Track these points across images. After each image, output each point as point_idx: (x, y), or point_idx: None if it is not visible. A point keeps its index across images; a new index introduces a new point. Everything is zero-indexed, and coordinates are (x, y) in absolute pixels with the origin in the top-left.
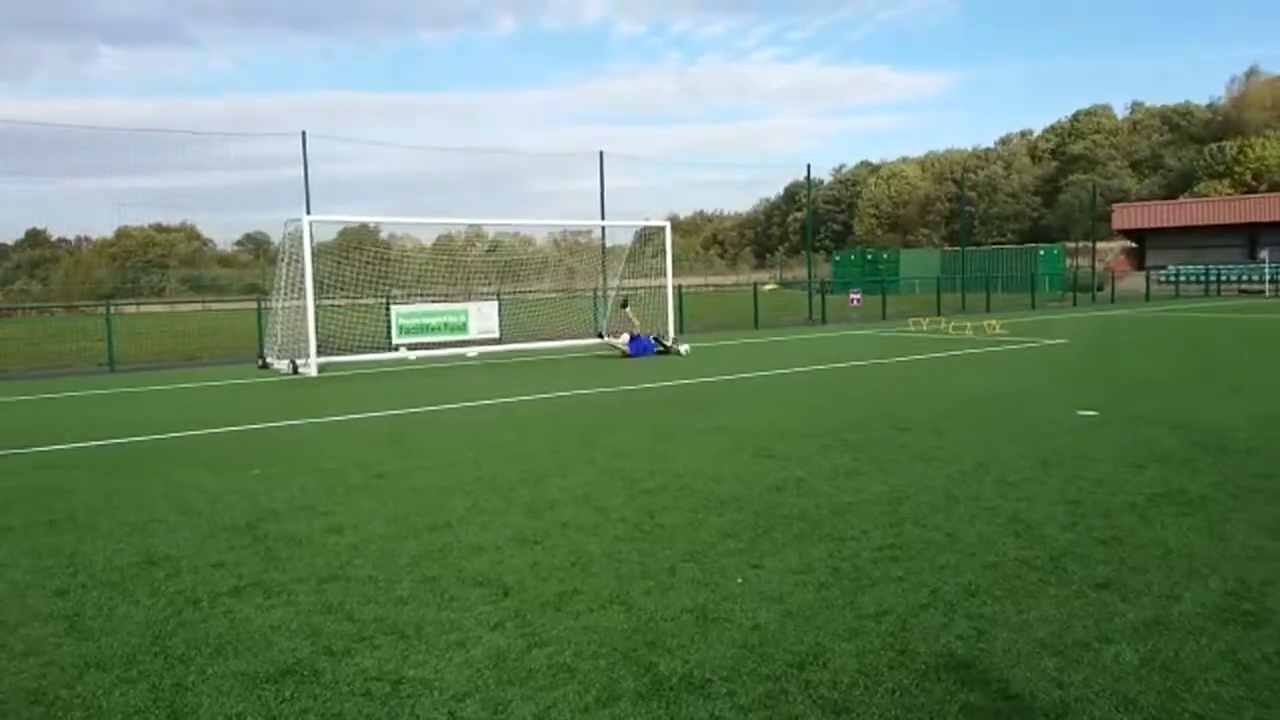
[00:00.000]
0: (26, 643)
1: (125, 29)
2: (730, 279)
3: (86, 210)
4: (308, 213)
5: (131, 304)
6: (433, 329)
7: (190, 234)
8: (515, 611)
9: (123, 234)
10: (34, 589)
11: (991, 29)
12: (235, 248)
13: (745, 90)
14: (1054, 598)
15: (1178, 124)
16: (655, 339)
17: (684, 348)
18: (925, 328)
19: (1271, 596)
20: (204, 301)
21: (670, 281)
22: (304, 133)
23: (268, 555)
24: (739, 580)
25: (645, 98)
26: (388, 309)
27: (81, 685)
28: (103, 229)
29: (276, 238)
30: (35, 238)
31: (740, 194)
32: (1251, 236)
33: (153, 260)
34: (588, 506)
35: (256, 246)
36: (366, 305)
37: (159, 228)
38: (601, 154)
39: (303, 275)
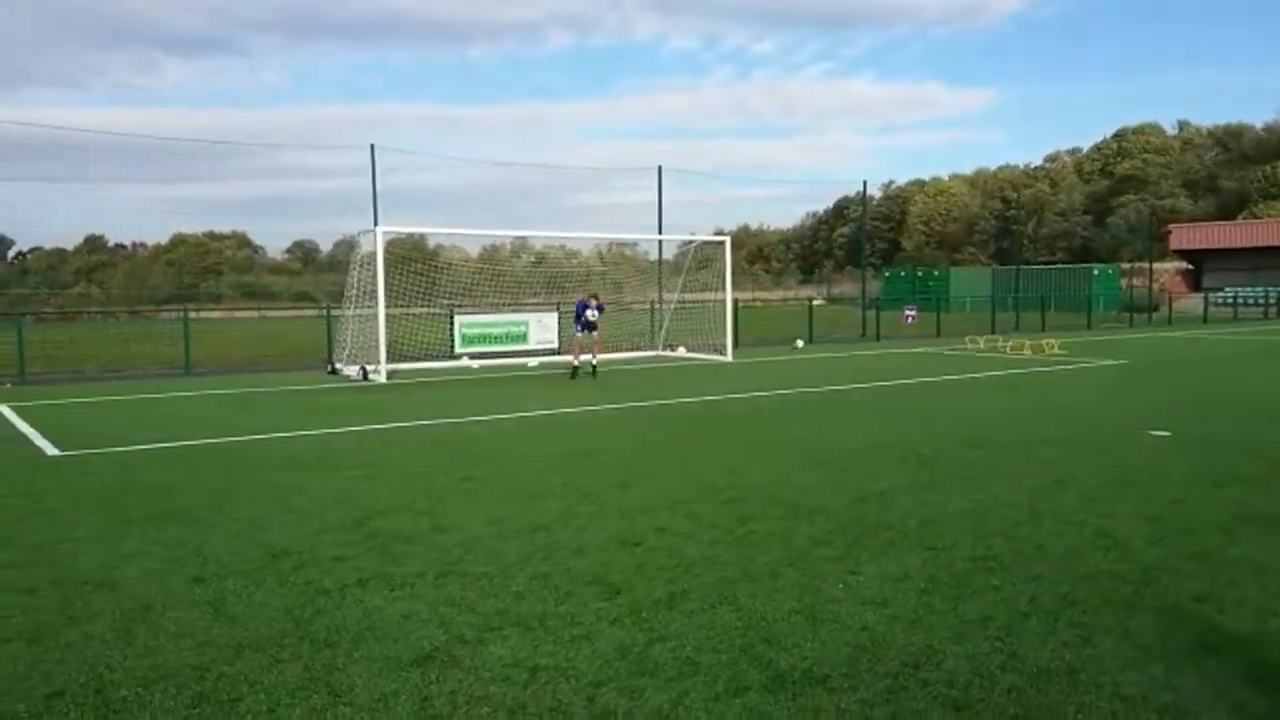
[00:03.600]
0: (179, 624)
1: (185, 41)
2: (776, 294)
3: (142, 216)
4: (375, 223)
5: (188, 309)
6: (495, 339)
7: (241, 241)
8: (630, 609)
9: (178, 240)
10: (171, 576)
11: (1042, 46)
12: (285, 255)
13: (795, 106)
14: (1151, 608)
15: (1228, 144)
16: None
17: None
18: (983, 346)
19: None
20: (259, 308)
21: (729, 296)
22: (372, 146)
23: (382, 551)
24: (840, 585)
25: (695, 112)
26: (451, 319)
27: (240, 663)
28: (158, 235)
29: (325, 246)
30: (93, 243)
31: (786, 208)
32: None
33: (208, 267)
34: (678, 513)
35: (305, 255)
36: (419, 315)
37: (212, 235)
38: (660, 169)
39: (370, 283)
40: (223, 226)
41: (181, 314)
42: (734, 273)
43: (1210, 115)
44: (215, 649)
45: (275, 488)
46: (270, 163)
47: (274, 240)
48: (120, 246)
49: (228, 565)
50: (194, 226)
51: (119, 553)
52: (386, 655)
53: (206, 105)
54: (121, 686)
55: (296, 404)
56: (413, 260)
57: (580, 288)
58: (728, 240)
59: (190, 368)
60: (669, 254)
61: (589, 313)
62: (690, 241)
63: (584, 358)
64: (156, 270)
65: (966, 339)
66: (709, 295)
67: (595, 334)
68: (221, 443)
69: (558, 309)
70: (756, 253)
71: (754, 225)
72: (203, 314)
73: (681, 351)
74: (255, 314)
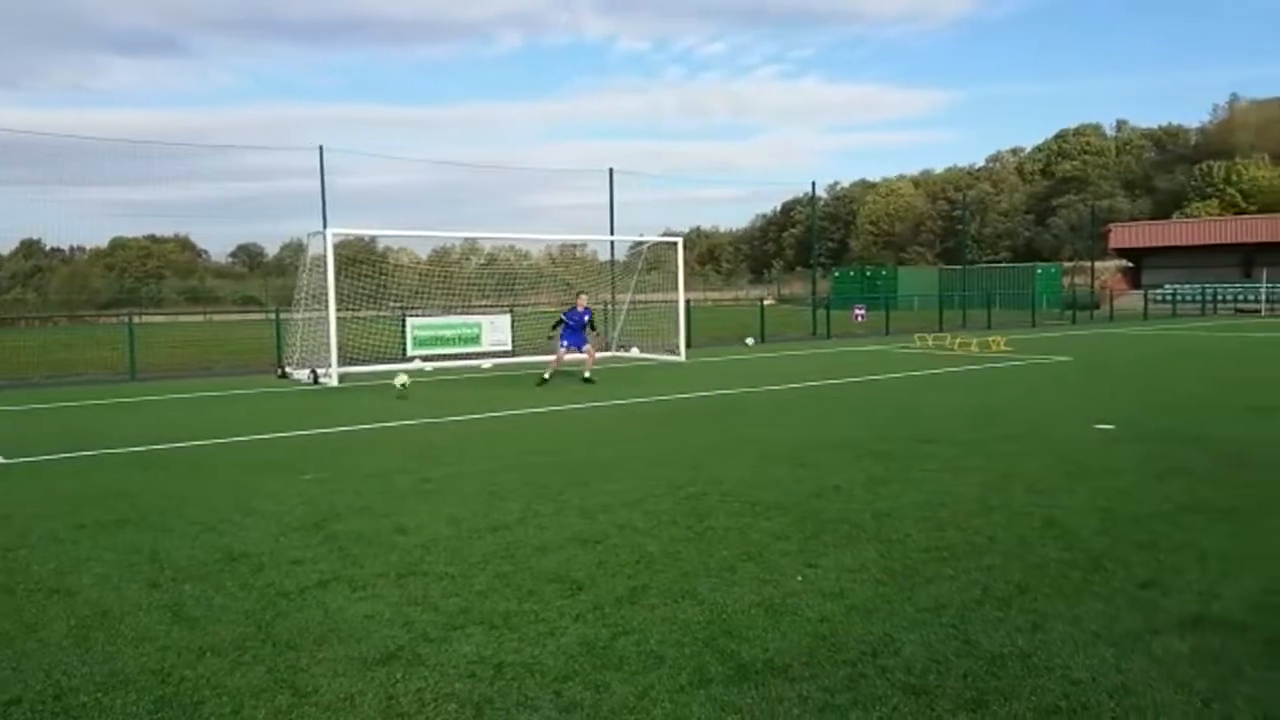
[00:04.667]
0: (137, 630)
1: (130, 41)
2: (728, 294)
3: (81, 220)
4: (324, 225)
5: (132, 313)
6: (447, 341)
7: (183, 244)
8: (593, 605)
9: (118, 244)
10: (128, 582)
11: (989, 49)
12: (229, 259)
13: (746, 107)
14: (1100, 594)
15: (1166, 145)
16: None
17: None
18: (931, 344)
19: None
20: (204, 312)
21: (682, 296)
22: (321, 147)
23: (342, 553)
24: (799, 578)
25: (645, 113)
26: (402, 321)
27: (202, 666)
28: (97, 239)
29: (271, 249)
30: (30, 247)
31: (736, 209)
32: (1246, 257)
33: (149, 271)
34: (638, 510)
35: (251, 258)
36: (369, 318)
37: (153, 239)
38: (611, 170)
39: (320, 286)
40: (164, 230)
41: (123, 318)
42: (686, 273)
43: (1147, 116)
44: (175, 653)
45: (231, 491)
46: (216, 164)
47: (218, 244)
48: (58, 250)
49: (185, 569)
50: (134, 230)
51: (73, 558)
52: (350, 655)
53: (153, 106)
54: (80, 693)
55: (248, 408)
56: (362, 262)
57: (532, 289)
58: (679, 241)
59: (136, 373)
60: (621, 255)
61: (585, 315)
62: (642, 242)
63: (578, 357)
64: (96, 274)
65: (915, 337)
66: (661, 296)
67: (588, 345)
68: (174, 447)
69: (510, 311)
70: (707, 254)
71: (705, 226)
72: (145, 318)
73: (635, 352)
74: (200, 318)
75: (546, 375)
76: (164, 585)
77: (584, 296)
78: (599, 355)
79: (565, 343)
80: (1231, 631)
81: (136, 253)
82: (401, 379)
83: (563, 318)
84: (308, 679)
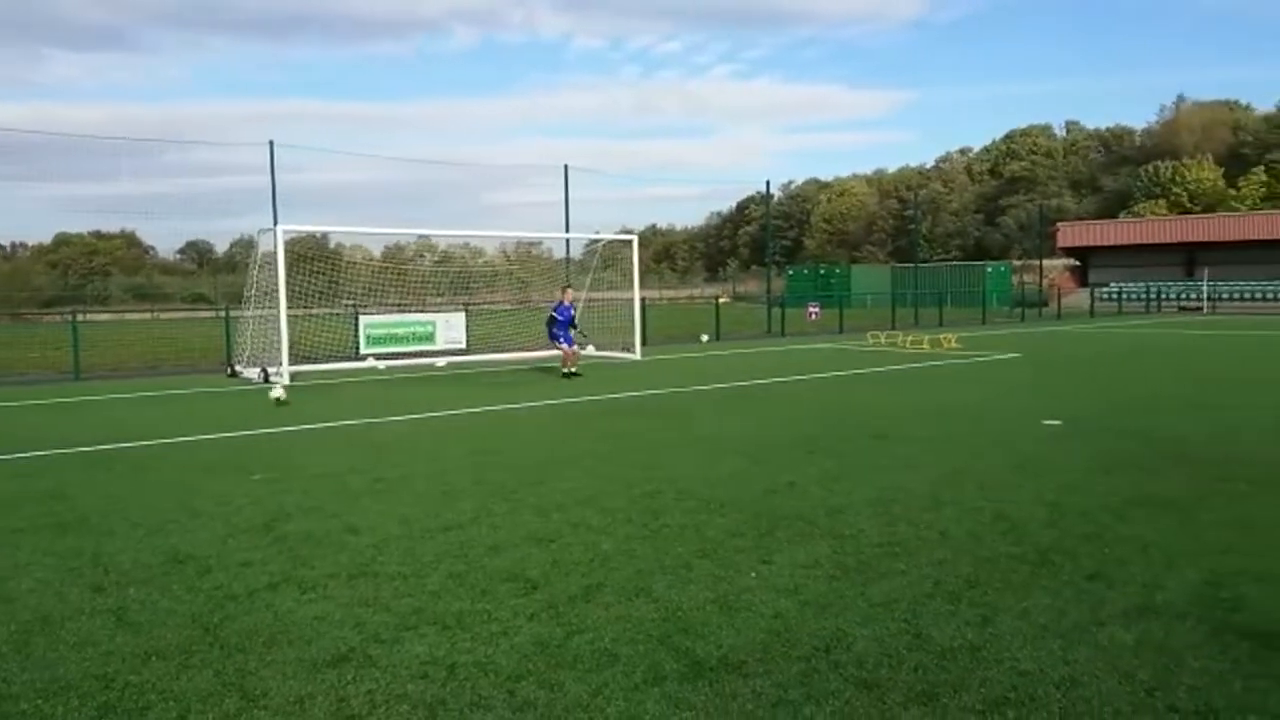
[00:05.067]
0: (79, 635)
1: (79, 34)
2: (684, 293)
3: (23, 216)
4: (275, 222)
5: (76, 312)
6: (401, 339)
7: (130, 241)
8: (547, 604)
9: (61, 240)
10: (69, 586)
11: (941, 50)
12: (178, 256)
13: (701, 106)
14: (1048, 588)
15: (1113, 146)
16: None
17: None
18: (884, 341)
19: (1244, 585)
20: (152, 310)
21: (637, 294)
22: (271, 142)
23: (292, 554)
24: (753, 574)
25: (602, 112)
26: (355, 319)
27: (147, 671)
28: (40, 235)
29: (221, 246)
30: None
31: (691, 208)
32: (1189, 256)
33: (94, 268)
34: (592, 508)
35: (200, 255)
36: (321, 316)
37: (98, 235)
38: (566, 168)
39: (271, 283)
40: (110, 226)
41: (67, 317)
42: (641, 271)
43: (1096, 118)
44: (119, 658)
45: (178, 493)
46: (164, 160)
47: (166, 240)
48: None
49: (129, 573)
50: (79, 226)
51: (12, 563)
52: (300, 657)
53: (99, 100)
54: (20, 699)
55: (197, 408)
56: (314, 259)
57: (488, 287)
58: (634, 239)
59: (80, 372)
60: (576, 253)
61: (571, 310)
62: (597, 240)
63: (559, 350)
64: (38, 271)
65: (868, 335)
66: (616, 294)
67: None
68: (119, 448)
69: (465, 309)
70: (663, 252)
71: (660, 224)
72: (90, 316)
73: (590, 350)
74: (148, 316)
75: (570, 369)
76: (107, 589)
77: (570, 290)
78: (551, 353)
79: (561, 340)
80: (1174, 622)
81: (81, 249)
82: (277, 392)
83: (554, 314)
84: (257, 682)
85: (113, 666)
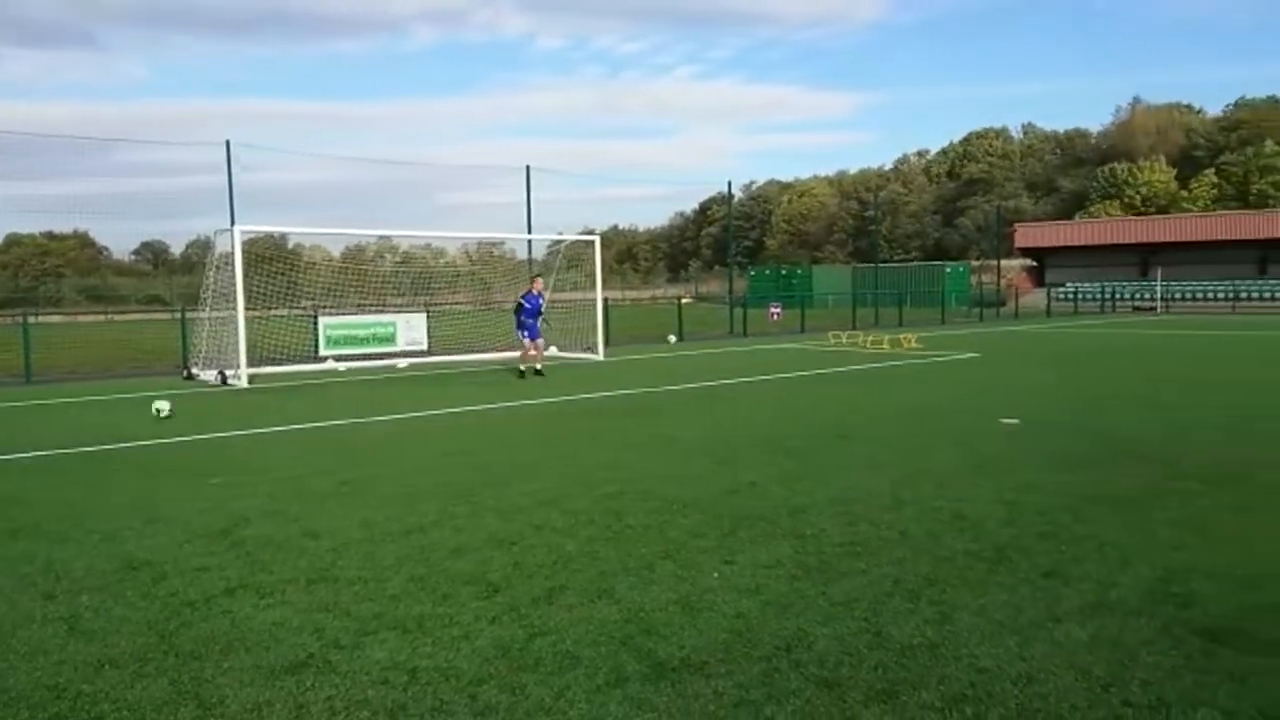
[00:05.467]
0: (30, 644)
1: (33, 31)
2: (646, 293)
3: None
4: (232, 222)
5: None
6: (361, 340)
7: (83, 241)
8: (509, 606)
9: (12, 241)
10: (20, 594)
11: (901, 52)
12: (133, 257)
13: (664, 106)
14: (1005, 585)
15: (1069, 149)
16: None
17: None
18: (845, 341)
19: (1196, 581)
20: (106, 312)
21: (600, 295)
22: (228, 142)
23: (250, 559)
24: (715, 575)
25: (565, 112)
26: (314, 321)
27: (100, 680)
28: None
29: (178, 247)
30: None
31: (654, 209)
32: (1143, 257)
33: (47, 269)
34: (555, 510)
35: (156, 256)
36: (280, 317)
37: (51, 236)
38: (528, 168)
39: (228, 284)
40: (63, 226)
41: (18, 319)
42: (604, 272)
43: (1053, 119)
44: (72, 667)
45: (134, 498)
46: (119, 159)
47: (121, 241)
48: None
49: (82, 580)
50: (30, 226)
51: None
52: (258, 664)
53: (54, 99)
54: None
55: (152, 411)
56: (273, 260)
57: (449, 287)
58: (597, 239)
59: (32, 375)
60: (538, 253)
61: (540, 300)
62: (560, 241)
63: (532, 354)
64: None
65: (829, 335)
66: (579, 294)
67: (540, 337)
68: (72, 453)
69: (426, 310)
70: (626, 252)
71: (623, 225)
72: (43, 318)
73: (553, 351)
74: (102, 318)
75: (536, 367)
76: (60, 597)
77: (540, 280)
78: (514, 354)
79: (524, 333)
80: (1128, 618)
81: (33, 250)
82: (161, 404)
83: (521, 302)
84: (213, 690)
85: (65, 676)
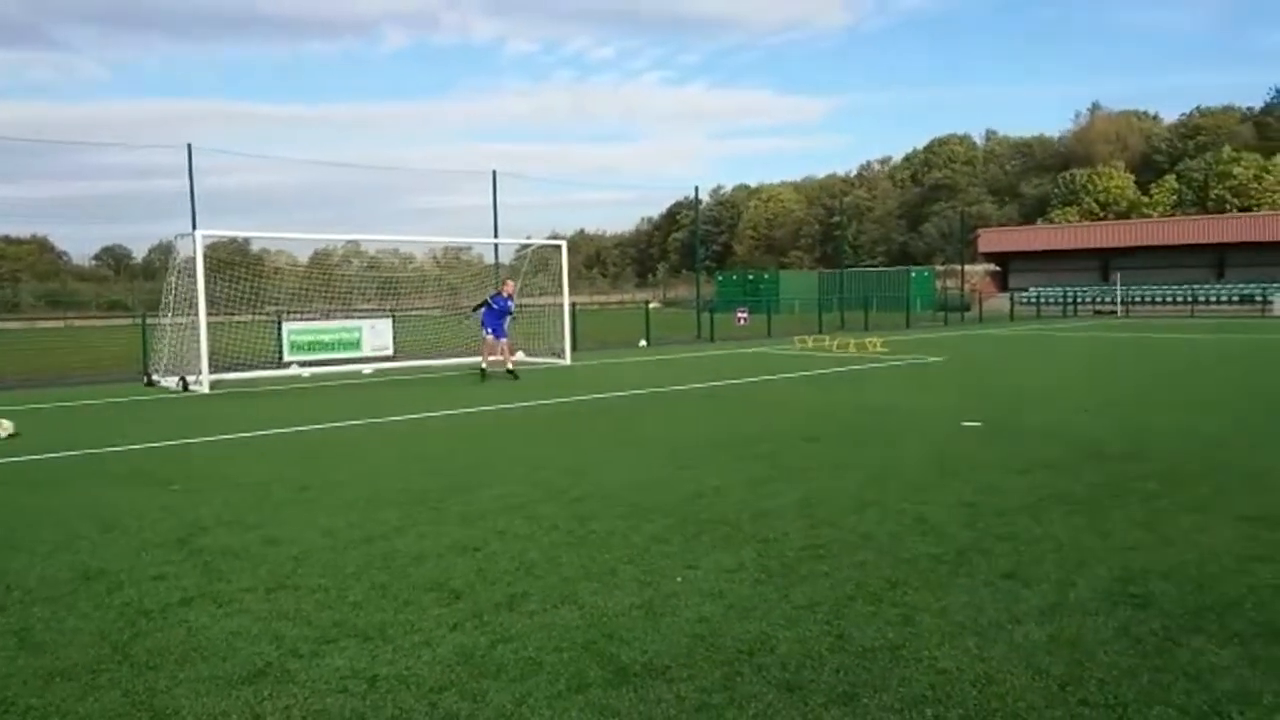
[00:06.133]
0: None
1: None
2: (614, 298)
3: None
4: (194, 226)
5: None
6: (326, 346)
7: (42, 246)
8: (471, 613)
9: None
10: None
11: (868, 58)
12: (94, 262)
13: (634, 111)
14: (965, 587)
15: (1030, 154)
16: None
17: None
18: (811, 345)
19: (1153, 581)
20: (65, 318)
21: (567, 299)
22: (189, 145)
23: (207, 568)
24: (678, 579)
25: (534, 116)
26: (279, 326)
27: (50, 694)
28: None
29: (139, 252)
30: None
31: (622, 213)
32: (1104, 261)
33: (3, 274)
34: (520, 516)
35: (116, 260)
36: (243, 322)
37: (8, 240)
38: (495, 173)
39: (190, 290)
40: (20, 230)
41: None
42: (571, 276)
43: (1014, 126)
44: (20, 680)
45: (89, 506)
46: (79, 161)
47: (81, 245)
48: None
49: (34, 591)
50: None
51: None
52: (215, 674)
53: (9, 99)
54: None
55: (111, 417)
56: (236, 265)
57: (416, 292)
58: (564, 245)
59: None
60: (506, 258)
61: (510, 303)
62: (527, 245)
63: (493, 359)
64: None
65: (795, 339)
66: (546, 299)
67: (505, 338)
68: (26, 461)
69: (392, 315)
70: (593, 257)
71: (590, 229)
72: (0, 324)
73: (520, 355)
74: (61, 324)
75: (485, 368)
76: (9, 608)
77: (511, 283)
78: (451, 359)
79: (488, 329)
80: (1086, 618)
81: None
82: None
83: (489, 301)
84: (168, 700)
85: (12, 690)
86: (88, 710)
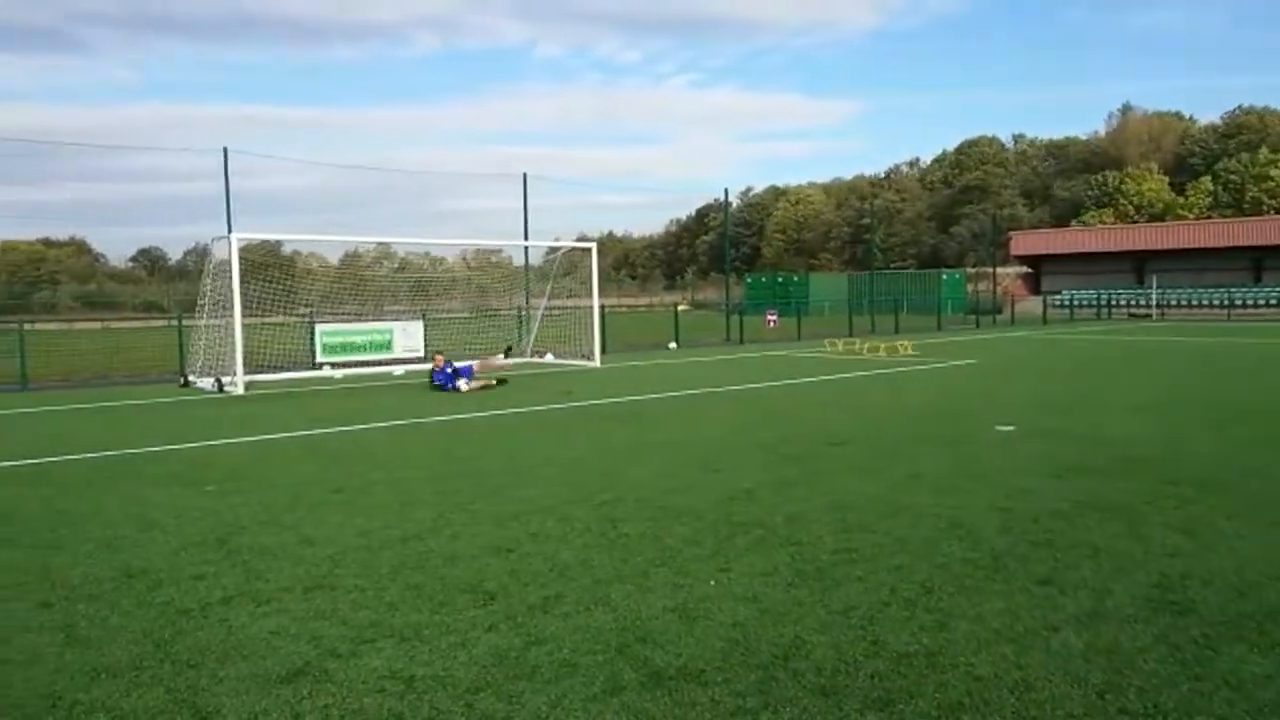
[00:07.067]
0: (26, 652)
1: (18, 35)
2: (643, 300)
3: None
4: (229, 229)
5: (23, 321)
6: (358, 347)
7: (80, 249)
8: (505, 614)
9: (8, 248)
10: (16, 602)
11: (896, 60)
12: (129, 263)
13: (661, 114)
14: (1001, 593)
15: (1063, 156)
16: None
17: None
18: (841, 349)
19: (1192, 588)
20: (102, 319)
21: (596, 302)
22: (225, 149)
23: (246, 567)
24: (711, 582)
25: (563, 119)
26: (311, 328)
27: (97, 689)
28: None
29: (174, 254)
30: None
31: (649, 216)
32: (1139, 264)
33: (43, 276)
34: (552, 517)
35: (152, 262)
36: (277, 324)
37: (47, 242)
38: (525, 175)
39: (224, 292)
40: (59, 233)
41: (13, 326)
42: (600, 279)
43: (1043, 128)
44: (68, 676)
45: (129, 506)
46: (115, 165)
47: (117, 247)
48: None
49: (78, 588)
50: (25, 233)
51: None
52: (254, 673)
53: (44, 104)
54: None
55: (149, 419)
56: (269, 267)
57: (446, 294)
58: (594, 247)
59: (27, 383)
60: (535, 260)
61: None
62: (556, 248)
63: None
64: None
65: (825, 342)
66: (576, 301)
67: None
68: (67, 460)
69: (423, 317)
70: (622, 259)
71: (619, 232)
72: (38, 325)
73: (549, 358)
74: (98, 325)
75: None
76: (55, 605)
77: (440, 356)
78: (511, 362)
79: (456, 383)
80: (1125, 625)
81: (28, 256)
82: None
83: (432, 376)
84: (209, 699)
85: (60, 684)
86: (132, 706)
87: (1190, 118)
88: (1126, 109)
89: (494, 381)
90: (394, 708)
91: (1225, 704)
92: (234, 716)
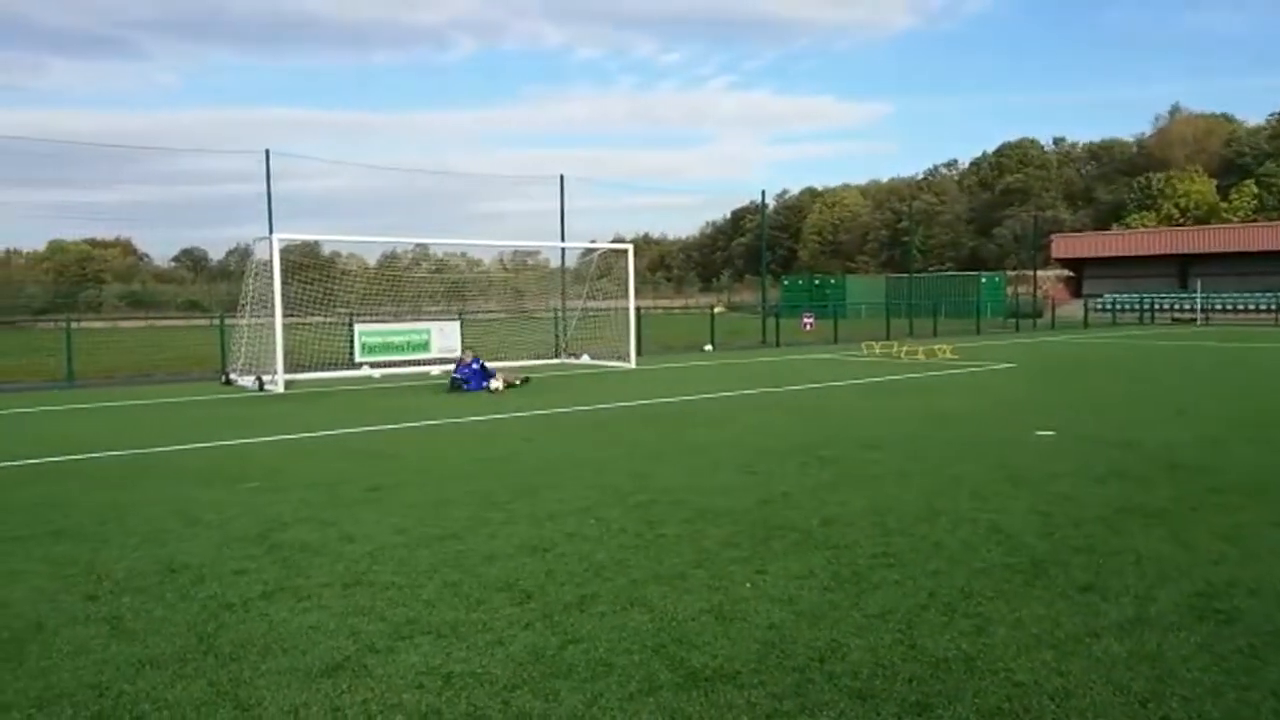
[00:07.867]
0: (73, 643)
1: (72, 41)
2: (678, 302)
3: (17, 222)
4: (270, 230)
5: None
6: (396, 348)
7: (126, 249)
8: (542, 613)
9: (56, 247)
10: (62, 595)
11: (934, 62)
12: (173, 263)
13: (699, 117)
14: (1041, 598)
15: (1105, 158)
16: (481, 366)
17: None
18: (878, 351)
19: (1237, 596)
20: (147, 317)
21: (632, 303)
22: (267, 151)
23: (286, 563)
24: (748, 585)
25: (599, 121)
26: (350, 327)
27: (141, 680)
28: (34, 242)
29: (216, 254)
30: None
31: (685, 218)
32: (1182, 267)
33: (89, 275)
34: (588, 518)
35: (195, 262)
36: (316, 324)
37: (94, 242)
38: (562, 178)
39: (265, 292)
40: (105, 233)
41: (60, 324)
42: (636, 281)
43: (1083, 131)
44: (114, 667)
45: (172, 501)
46: (159, 167)
47: (161, 247)
48: None
49: (123, 581)
50: (74, 233)
51: (5, 570)
52: (295, 667)
53: (94, 108)
54: (13, 709)
55: (191, 416)
56: (309, 268)
57: (482, 295)
58: (630, 248)
59: (74, 380)
60: (571, 262)
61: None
62: (593, 250)
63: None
64: (32, 279)
65: (862, 345)
66: (612, 303)
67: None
68: (112, 456)
69: (460, 317)
70: (657, 261)
71: (654, 234)
72: (85, 324)
73: (585, 359)
74: (142, 323)
75: (514, 382)
76: (101, 597)
77: (470, 351)
78: (546, 362)
79: (475, 385)
80: (1168, 633)
81: (76, 256)
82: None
83: (454, 376)
84: (251, 691)
85: (106, 675)
86: (175, 698)
87: (1239, 120)
88: (1175, 110)
89: (517, 381)
90: (432, 703)
91: (1272, 714)
92: (275, 709)
